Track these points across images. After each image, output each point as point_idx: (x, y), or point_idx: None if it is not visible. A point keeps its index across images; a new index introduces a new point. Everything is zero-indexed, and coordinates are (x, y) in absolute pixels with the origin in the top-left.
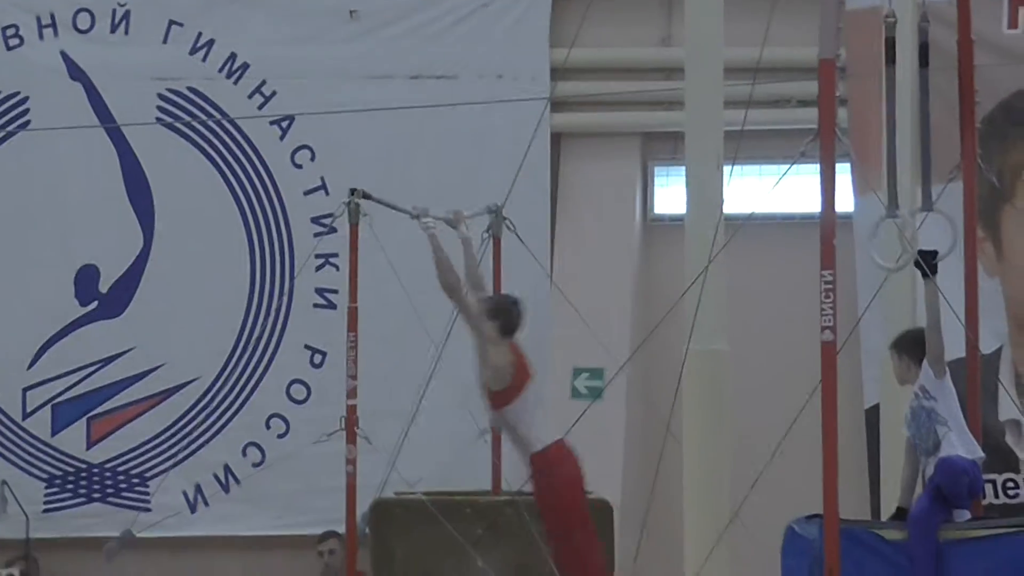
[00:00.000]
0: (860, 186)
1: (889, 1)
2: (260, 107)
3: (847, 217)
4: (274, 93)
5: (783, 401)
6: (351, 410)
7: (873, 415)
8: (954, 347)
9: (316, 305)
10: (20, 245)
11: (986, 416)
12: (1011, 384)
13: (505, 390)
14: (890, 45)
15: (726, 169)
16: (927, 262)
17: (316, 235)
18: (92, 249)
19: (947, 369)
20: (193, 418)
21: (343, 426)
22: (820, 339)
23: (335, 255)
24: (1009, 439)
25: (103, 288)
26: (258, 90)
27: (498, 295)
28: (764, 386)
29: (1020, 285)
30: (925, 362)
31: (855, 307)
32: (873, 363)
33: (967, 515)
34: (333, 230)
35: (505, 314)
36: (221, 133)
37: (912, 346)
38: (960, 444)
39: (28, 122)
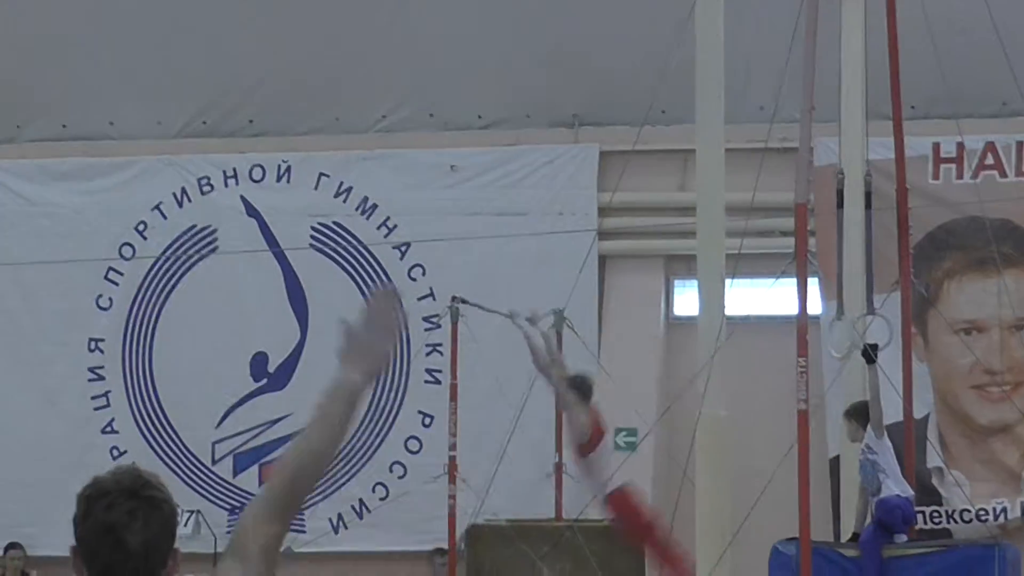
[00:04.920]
0: (826, 295)
1: (842, 160)
2: (385, 236)
3: (817, 318)
4: (396, 226)
5: (769, 453)
6: (452, 459)
7: (835, 463)
8: (895, 414)
9: (426, 381)
10: (210, 338)
11: (918, 464)
12: (936, 440)
13: (587, 443)
14: (840, 194)
15: (728, 282)
16: (870, 352)
17: (426, 330)
18: (263, 341)
19: (884, 431)
20: (336, 464)
21: (446, 471)
22: (796, 407)
23: (440, 344)
24: (934, 481)
25: (271, 369)
26: (384, 223)
27: (576, 374)
28: (756, 442)
29: (942, 368)
30: (869, 425)
31: (822, 384)
32: (835, 425)
33: (904, 538)
34: (438, 326)
35: (582, 386)
36: (357, 255)
37: (859, 414)
38: (896, 487)
39: (217, 247)
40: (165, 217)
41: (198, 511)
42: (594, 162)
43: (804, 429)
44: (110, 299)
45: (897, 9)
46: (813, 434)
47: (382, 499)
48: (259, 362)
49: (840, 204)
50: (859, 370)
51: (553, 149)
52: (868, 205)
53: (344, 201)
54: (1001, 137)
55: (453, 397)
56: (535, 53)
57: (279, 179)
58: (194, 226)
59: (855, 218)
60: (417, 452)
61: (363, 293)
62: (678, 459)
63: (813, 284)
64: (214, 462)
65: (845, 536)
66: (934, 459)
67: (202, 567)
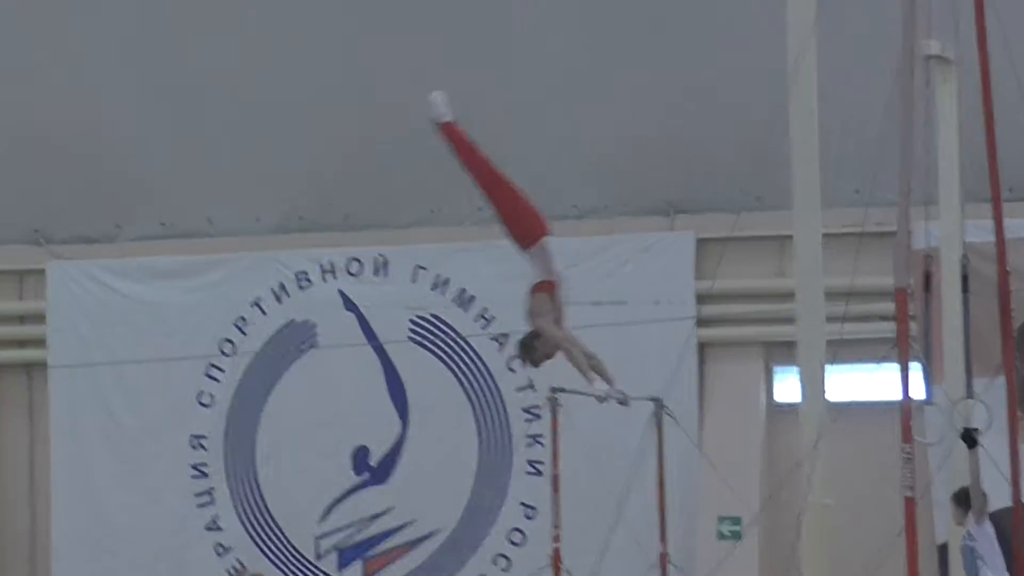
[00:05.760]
0: (929, 379)
1: (941, 243)
2: (483, 327)
3: (922, 403)
4: (493, 317)
5: (876, 540)
6: (556, 552)
7: (943, 550)
8: (1002, 499)
9: (528, 473)
10: (312, 433)
11: None
12: None
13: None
14: (927, 277)
15: (828, 368)
16: (970, 437)
17: (527, 421)
18: (364, 434)
19: (986, 517)
20: (438, 558)
21: (550, 563)
22: (902, 494)
23: (540, 435)
24: None
25: (373, 462)
26: (481, 315)
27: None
28: (862, 529)
29: None
30: (971, 511)
31: (928, 470)
32: (942, 512)
33: None
34: (539, 417)
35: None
36: (455, 347)
37: (965, 498)
38: (993, 574)
39: (316, 342)
40: (264, 313)
41: None
42: (691, 250)
43: (911, 517)
44: (211, 395)
45: (993, 88)
46: (920, 521)
47: None
48: (361, 456)
49: (927, 288)
50: (965, 456)
51: (649, 237)
52: (965, 289)
53: (442, 294)
54: None
55: (555, 488)
56: (629, 141)
57: (376, 272)
58: (293, 321)
59: (954, 303)
60: (520, 544)
61: (462, 385)
62: (783, 548)
63: (916, 369)
64: (318, 557)
65: None
66: None
67: None
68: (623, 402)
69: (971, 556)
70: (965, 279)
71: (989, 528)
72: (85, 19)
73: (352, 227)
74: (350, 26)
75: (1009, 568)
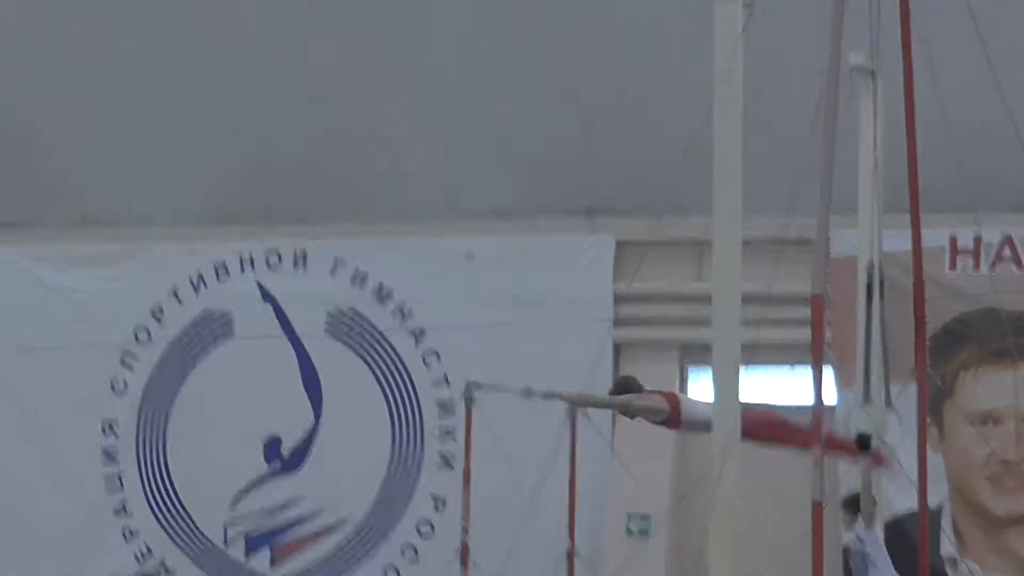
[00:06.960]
0: (841, 384)
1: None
2: (400, 322)
3: (833, 408)
4: (411, 311)
5: (785, 542)
6: (464, 545)
7: (847, 552)
8: (911, 502)
9: (439, 466)
10: (224, 422)
11: (932, 553)
12: (950, 530)
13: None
14: (869, 286)
15: (743, 370)
16: (863, 445)
17: (440, 416)
18: (277, 425)
19: (875, 522)
20: (347, 548)
21: (459, 556)
22: (812, 498)
23: (453, 429)
24: (948, 570)
25: (284, 453)
26: (399, 310)
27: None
28: (770, 530)
29: (957, 459)
30: (860, 515)
31: (836, 473)
32: None
33: None
34: (452, 412)
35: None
36: (372, 341)
37: (852, 504)
38: None
39: (232, 332)
40: (181, 302)
41: None
42: (610, 253)
43: (819, 520)
44: (125, 382)
45: (916, 103)
46: (827, 524)
47: None
48: (273, 445)
49: (869, 296)
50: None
51: (570, 239)
52: (869, 296)
53: (360, 288)
54: (1018, 230)
55: (466, 482)
56: (553, 143)
57: (295, 265)
58: (209, 311)
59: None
60: (429, 537)
61: (376, 378)
62: (691, 544)
63: (828, 374)
64: (226, 544)
65: None
66: (948, 549)
67: None
68: (529, 394)
69: (862, 561)
70: (870, 287)
71: (879, 532)
72: (5, 10)
73: (272, 220)
74: (272, 23)
75: (904, 570)
